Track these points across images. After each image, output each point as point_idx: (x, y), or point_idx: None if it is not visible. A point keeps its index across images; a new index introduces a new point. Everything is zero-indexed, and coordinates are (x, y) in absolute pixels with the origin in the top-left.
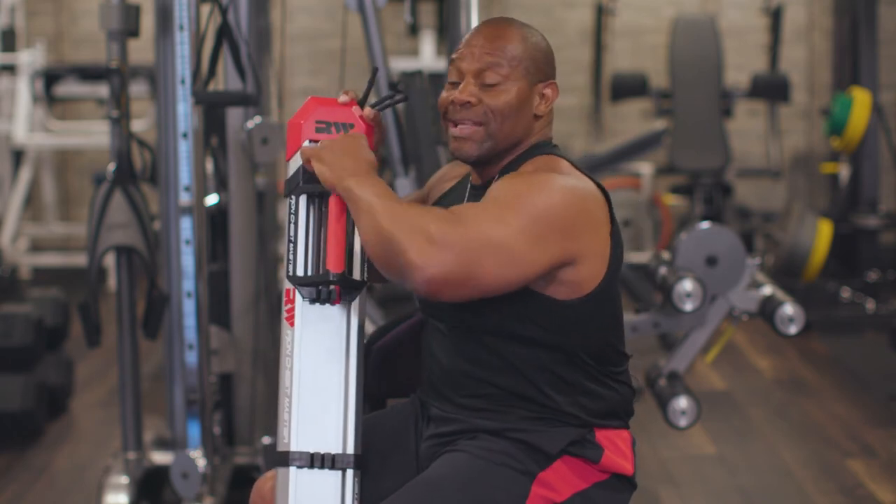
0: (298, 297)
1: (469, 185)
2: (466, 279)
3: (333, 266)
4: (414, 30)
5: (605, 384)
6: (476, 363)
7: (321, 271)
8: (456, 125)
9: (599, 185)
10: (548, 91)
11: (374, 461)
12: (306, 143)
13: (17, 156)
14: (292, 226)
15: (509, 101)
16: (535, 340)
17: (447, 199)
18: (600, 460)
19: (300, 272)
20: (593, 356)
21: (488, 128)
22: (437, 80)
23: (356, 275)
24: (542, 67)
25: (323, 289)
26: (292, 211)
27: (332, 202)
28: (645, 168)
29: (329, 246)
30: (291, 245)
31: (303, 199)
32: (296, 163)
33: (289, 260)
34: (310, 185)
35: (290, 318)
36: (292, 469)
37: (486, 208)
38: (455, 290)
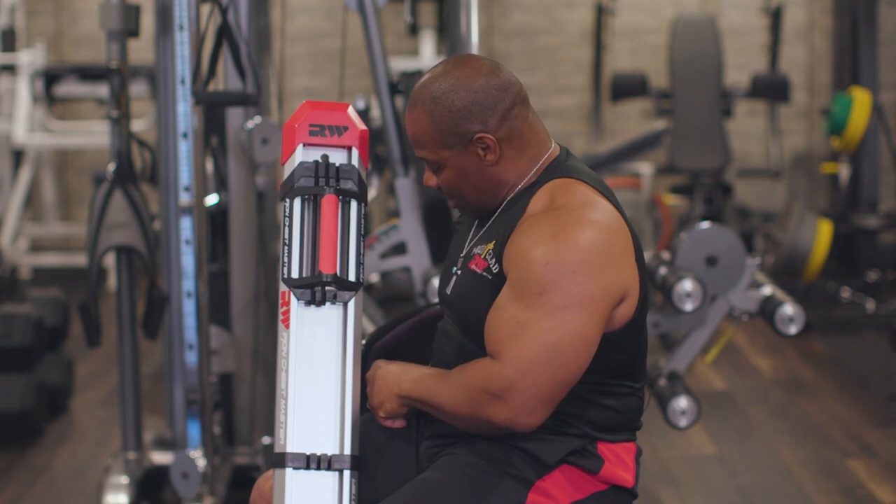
0: (293, 299)
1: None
2: (552, 395)
3: (326, 267)
4: (414, 30)
5: (617, 398)
6: None
7: (315, 273)
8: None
9: (614, 202)
10: (482, 143)
11: (372, 460)
12: None
13: (17, 156)
14: (287, 228)
15: (452, 178)
16: None
17: (459, 229)
18: (599, 471)
19: (295, 274)
20: (611, 374)
21: (461, 198)
22: None
23: (351, 276)
24: (459, 130)
25: (317, 290)
26: (287, 214)
27: (326, 203)
28: (645, 168)
29: (322, 247)
30: (286, 247)
31: (297, 202)
32: (291, 165)
33: (284, 262)
34: (304, 186)
35: (286, 320)
36: (288, 470)
37: (516, 318)
38: (551, 405)
